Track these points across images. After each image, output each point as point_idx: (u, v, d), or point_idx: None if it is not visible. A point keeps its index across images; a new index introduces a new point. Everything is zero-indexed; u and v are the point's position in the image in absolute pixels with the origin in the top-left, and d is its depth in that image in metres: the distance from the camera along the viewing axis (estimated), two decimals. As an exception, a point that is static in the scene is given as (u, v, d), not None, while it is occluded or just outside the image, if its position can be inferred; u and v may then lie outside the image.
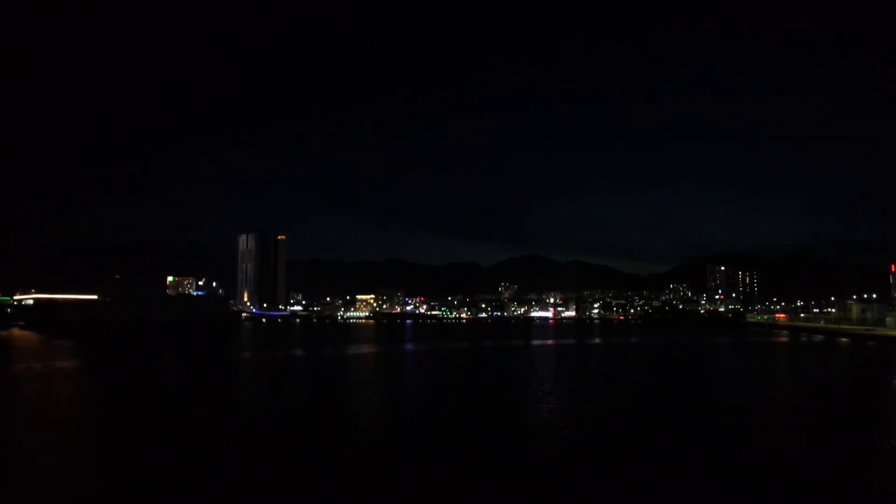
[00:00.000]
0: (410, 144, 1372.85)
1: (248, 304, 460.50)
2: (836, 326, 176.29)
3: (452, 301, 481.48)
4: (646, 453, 28.67)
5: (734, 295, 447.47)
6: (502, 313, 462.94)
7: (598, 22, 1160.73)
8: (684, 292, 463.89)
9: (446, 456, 28.24)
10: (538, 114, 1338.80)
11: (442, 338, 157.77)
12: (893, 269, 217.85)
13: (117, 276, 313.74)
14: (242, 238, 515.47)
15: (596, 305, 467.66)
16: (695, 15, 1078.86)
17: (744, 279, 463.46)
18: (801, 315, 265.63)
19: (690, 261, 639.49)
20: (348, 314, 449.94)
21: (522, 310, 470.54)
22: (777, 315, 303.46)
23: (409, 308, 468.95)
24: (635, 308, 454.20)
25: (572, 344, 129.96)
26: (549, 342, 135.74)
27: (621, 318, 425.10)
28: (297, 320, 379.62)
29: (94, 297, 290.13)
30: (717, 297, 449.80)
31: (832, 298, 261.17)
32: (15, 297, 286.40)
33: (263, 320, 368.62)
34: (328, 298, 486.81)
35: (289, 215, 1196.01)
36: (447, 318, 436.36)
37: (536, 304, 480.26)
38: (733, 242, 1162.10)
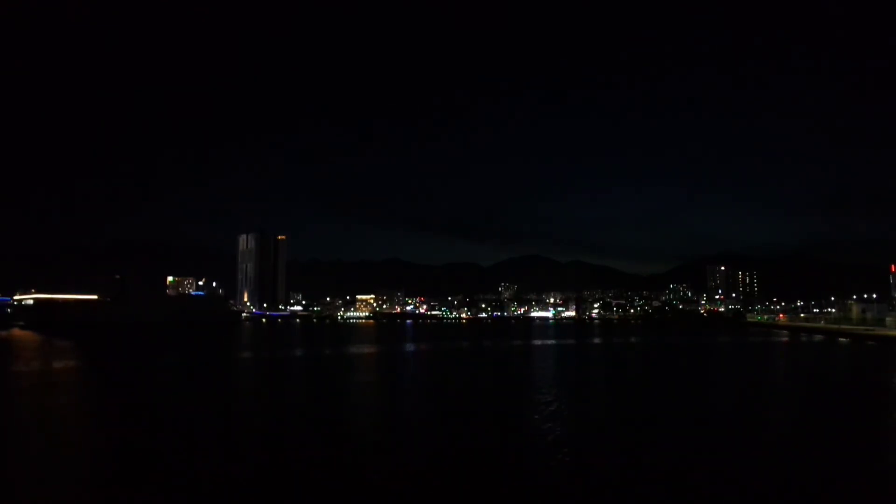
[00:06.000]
0: (411, 145, 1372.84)
1: (248, 304, 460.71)
2: (836, 326, 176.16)
3: (452, 301, 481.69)
4: (645, 454, 28.68)
5: (734, 295, 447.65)
6: (502, 313, 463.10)
7: (601, 28, 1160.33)
8: (684, 292, 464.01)
9: (445, 457, 28.26)
10: (538, 115, 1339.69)
11: (442, 338, 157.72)
12: (893, 269, 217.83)
13: (117, 276, 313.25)
14: (242, 238, 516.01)
15: (596, 305, 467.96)
16: (694, 23, 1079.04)
17: (744, 279, 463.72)
18: (801, 315, 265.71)
19: (690, 261, 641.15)
20: (348, 314, 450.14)
21: (522, 310, 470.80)
22: (778, 315, 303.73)
23: (409, 308, 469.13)
24: (635, 308, 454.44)
25: (572, 344, 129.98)
26: (550, 342, 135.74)
27: (622, 317, 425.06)
28: (297, 320, 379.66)
29: (94, 297, 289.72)
30: (717, 297, 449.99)
31: (832, 298, 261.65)
32: (15, 297, 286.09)
33: (263, 320, 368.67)
34: (328, 298, 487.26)
35: (289, 215, 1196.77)
36: (447, 318, 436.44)
37: (536, 304, 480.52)
38: (733, 242, 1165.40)
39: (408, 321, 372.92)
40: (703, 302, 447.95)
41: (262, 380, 64.28)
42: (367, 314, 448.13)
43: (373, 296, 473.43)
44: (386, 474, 25.02)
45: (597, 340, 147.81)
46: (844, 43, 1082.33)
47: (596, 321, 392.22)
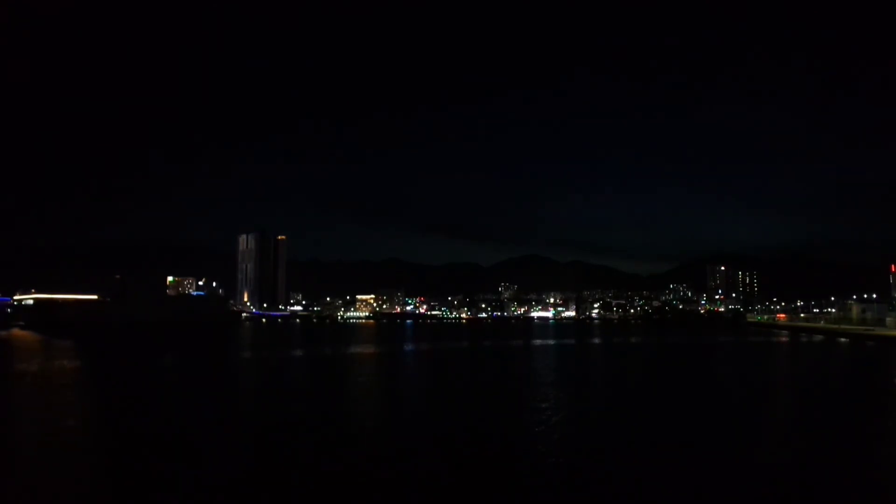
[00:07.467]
0: (411, 146, 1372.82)
1: (248, 304, 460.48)
2: (835, 326, 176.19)
3: (452, 301, 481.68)
4: (645, 455, 28.70)
5: (734, 295, 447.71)
6: (502, 313, 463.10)
7: (600, 27, 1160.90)
8: (684, 292, 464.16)
9: (446, 459, 28.27)
10: (538, 115, 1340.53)
11: (442, 338, 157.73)
12: (893, 269, 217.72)
13: (117, 276, 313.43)
14: (242, 238, 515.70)
15: (596, 305, 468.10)
16: (693, 22, 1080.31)
17: (744, 279, 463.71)
18: (801, 315, 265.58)
19: (690, 261, 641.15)
20: (348, 314, 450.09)
21: (522, 310, 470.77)
22: (777, 315, 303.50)
23: (409, 308, 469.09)
24: (635, 308, 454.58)
25: (572, 344, 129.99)
26: (550, 342, 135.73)
27: (621, 317, 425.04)
28: (297, 320, 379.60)
29: (94, 297, 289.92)
30: (717, 297, 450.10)
31: (832, 298, 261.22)
32: (15, 297, 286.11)
33: (263, 320, 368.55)
34: (328, 298, 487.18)
35: (289, 215, 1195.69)
36: (447, 318, 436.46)
37: (536, 304, 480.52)
38: (733, 242, 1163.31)
39: (408, 321, 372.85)
40: (703, 302, 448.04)
41: (261, 380, 64.28)
42: (367, 314, 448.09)
43: (373, 296, 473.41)
44: (385, 474, 25.04)
45: (597, 340, 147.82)
46: (844, 42, 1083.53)
47: (596, 321, 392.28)
